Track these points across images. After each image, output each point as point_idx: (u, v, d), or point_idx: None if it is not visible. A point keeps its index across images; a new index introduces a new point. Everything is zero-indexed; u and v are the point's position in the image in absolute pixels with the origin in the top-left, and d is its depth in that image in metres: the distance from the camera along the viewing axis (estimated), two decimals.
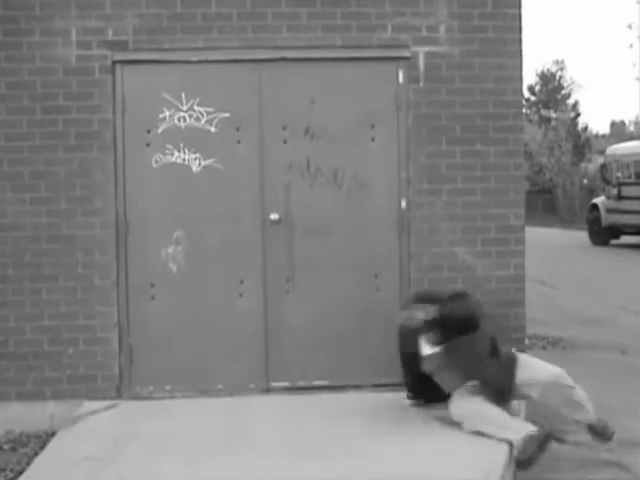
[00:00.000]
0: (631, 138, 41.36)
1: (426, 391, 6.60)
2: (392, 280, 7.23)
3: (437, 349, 6.31)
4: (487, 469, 5.48)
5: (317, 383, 7.21)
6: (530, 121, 51.43)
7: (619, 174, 25.84)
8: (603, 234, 26.08)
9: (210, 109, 7.14)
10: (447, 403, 6.30)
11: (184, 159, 7.15)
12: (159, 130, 7.14)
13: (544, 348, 10.43)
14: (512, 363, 6.38)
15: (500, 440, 5.92)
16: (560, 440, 6.39)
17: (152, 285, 7.17)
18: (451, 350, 6.29)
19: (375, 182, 7.18)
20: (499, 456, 5.71)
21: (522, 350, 7.23)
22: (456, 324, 6.27)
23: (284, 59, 7.14)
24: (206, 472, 5.58)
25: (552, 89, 57.27)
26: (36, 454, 6.28)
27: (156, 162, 7.15)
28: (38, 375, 7.07)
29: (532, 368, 6.41)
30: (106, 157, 7.07)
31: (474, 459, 5.65)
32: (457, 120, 7.19)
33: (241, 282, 7.16)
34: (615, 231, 25.91)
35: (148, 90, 7.13)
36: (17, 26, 7.01)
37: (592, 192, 37.01)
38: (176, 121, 7.14)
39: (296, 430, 6.31)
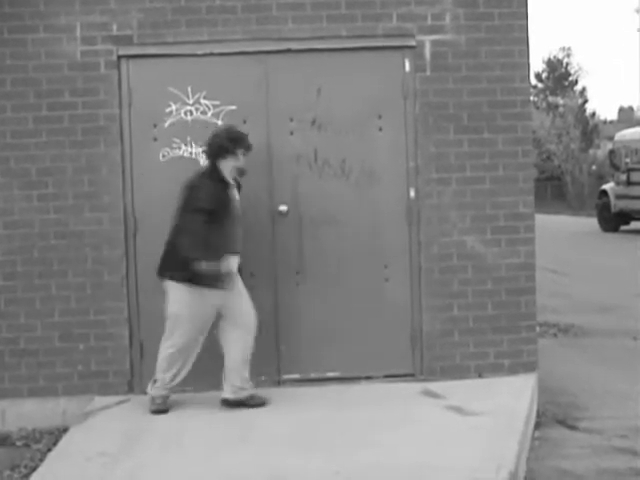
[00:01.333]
0: (639, 124, 41.25)
1: None
2: (402, 270, 7.21)
3: None
4: (499, 458, 5.47)
5: (328, 375, 7.20)
6: (538, 108, 51.23)
7: (628, 160, 25.75)
8: (612, 220, 25.99)
9: (216, 102, 7.13)
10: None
11: (191, 153, 7.14)
12: (166, 124, 7.13)
13: (555, 335, 10.42)
14: None
15: None
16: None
17: None
18: None
19: (383, 172, 7.16)
20: (511, 444, 5.70)
21: (534, 338, 7.24)
22: None
23: (289, 50, 7.12)
24: (217, 466, 5.58)
25: (559, 76, 57.08)
26: (49, 450, 6.31)
27: (163, 156, 7.14)
28: (49, 371, 7.08)
29: None
30: (113, 152, 7.07)
31: (486, 449, 5.64)
32: (464, 108, 7.16)
33: (251, 275, 7.15)
34: (625, 217, 25.81)
35: (154, 84, 7.12)
36: (22, 23, 7.00)
37: (601, 178, 36.93)
38: (183, 115, 7.13)
39: (307, 422, 6.31)
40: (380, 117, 7.18)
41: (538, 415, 6.95)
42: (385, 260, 7.21)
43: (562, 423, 6.93)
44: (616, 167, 26.45)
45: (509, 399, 6.62)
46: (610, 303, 12.68)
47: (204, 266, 6.32)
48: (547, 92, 56.21)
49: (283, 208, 7.13)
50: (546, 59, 58.03)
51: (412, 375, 7.20)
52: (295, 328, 7.23)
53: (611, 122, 55.82)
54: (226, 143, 6.53)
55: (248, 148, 6.63)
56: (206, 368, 7.14)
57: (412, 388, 6.96)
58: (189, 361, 6.65)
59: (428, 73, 7.14)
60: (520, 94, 7.23)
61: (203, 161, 7.08)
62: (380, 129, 7.19)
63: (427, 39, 7.12)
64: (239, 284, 6.68)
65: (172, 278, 6.51)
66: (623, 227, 25.96)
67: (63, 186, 7.05)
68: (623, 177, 25.63)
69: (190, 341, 6.59)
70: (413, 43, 7.12)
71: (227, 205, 6.51)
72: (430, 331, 7.17)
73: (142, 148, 7.12)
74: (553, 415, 7.08)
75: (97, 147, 7.06)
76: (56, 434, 6.72)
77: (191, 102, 7.13)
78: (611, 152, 27.78)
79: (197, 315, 6.53)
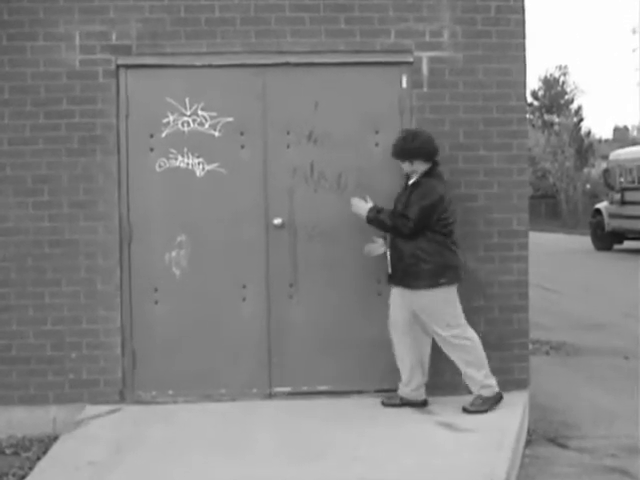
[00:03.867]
0: (634, 143, 41.37)
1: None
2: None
3: None
4: (489, 475, 5.48)
5: (320, 388, 7.20)
6: (533, 126, 51.31)
7: (622, 179, 25.80)
8: (606, 239, 26.03)
9: (214, 114, 7.15)
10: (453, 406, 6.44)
11: (188, 164, 7.15)
12: (163, 134, 7.14)
13: (547, 353, 10.42)
14: None
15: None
16: None
17: (155, 289, 7.17)
18: None
19: (379, 187, 7.17)
20: (501, 461, 5.70)
21: (525, 355, 7.25)
22: None
23: (287, 64, 7.14)
24: (207, 476, 5.58)
25: (555, 94, 57.15)
26: (39, 458, 6.28)
27: (160, 166, 7.15)
28: (41, 379, 7.07)
29: None
30: (109, 161, 7.08)
31: (476, 466, 5.64)
32: (460, 125, 7.19)
33: (244, 286, 7.16)
34: (618, 236, 25.85)
35: (152, 94, 7.13)
36: (21, 30, 7.02)
37: (595, 197, 36.96)
38: (180, 126, 7.14)
39: (297, 435, 6.31)
40: (377, 132, 7.21)
41: (529, 433, 6.95)
42: (378, 275, 7.20)
43: (553, 441, 6.93)
44: (610, 186, 26.50)
45: (500, 416, 6.62)
46: (603, 321, 12.70)
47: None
48: (543, 110, 56.30)
49: (278, 221, 7.14)
50: (542, 77, 58.15)
51: None
52: (287, 341, 7.23)
53: (606, 141, 55.93)
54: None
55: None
56: (197, 377, 7.17)
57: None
58: None
59: (425, 89, 7.17)
60: (516, 112, 7.25)
61: (199, 172, 7.11)
62: (377, 144, 7.21)
63: (425, 55, 7.15)
64: None
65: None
66: (617, 246, 25.99)
67: (58, 194, 7.05)
68: (617, 196, 25.68)
69: None
70: (411, 59, 7.15)
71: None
72: None
73: (138, 158, 7.13)
74: (544, 433, 7.08)
75: (93, 156, 7.07)
76: (46, 442, 6.69)
77: (188, 113, 7.14)
78: (605, 171, 27.85)
79: None
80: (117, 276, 7.10)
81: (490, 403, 6.69)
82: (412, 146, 6.71)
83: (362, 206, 6.80)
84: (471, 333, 6.71)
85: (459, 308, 6.72)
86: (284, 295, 7.23)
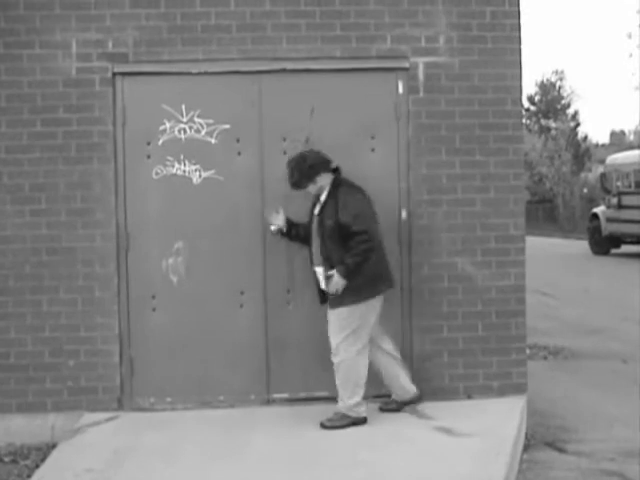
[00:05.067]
0: (631, 147, 41.43)
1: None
2: (392, 291, 7.21)
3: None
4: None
5: (318, 394, 7.19)
6: (530, 131, 51.43)
7: (619, 183, 25.84)
8: (603, 243, 26.06)
9: (210, 121, 7.16)
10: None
11: (184, 171, 7.16)
12: (159, 142, 7.15)
13: (545, 358, 10.43)
14: None
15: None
16: None
17: (153, 296, 7.17)
18: None
19: (375, 193, 7.15)
20: (499, 466, 5.71)
21: (523, 360, 7.25)
22: None
23: (284, 70, 7.15)
24: None
25: (552, 99, 57.23)
26: (37, 466, 6.28)
27: (156, 174, 7.16)
28: (39, 387, 7.07)
29: None
30: (106, 169, 7.08)
31: (474, 470, 5.65)
32: (457, 130, 7.20)
33: (242, 293, 7.16)
34: (615, 240, 25.89)
35: (148, 102, 7.14)
36: (17, 39, 7.02)
37: (592, 201, 37.02)
38: (176, 133, 7.15)
39: (295, 440, 6.31)
40: (373, 138, 7.22)
41: (527, 437, 6.96)
42: None
43: (551, 445, 6.93)
44: (607, 190, 26.54)
45: (498, 421, 6.63)
46: (600, 326, 12.71)
47: None
48: (539, 115, 56.39)
49: (275, 227, 7.14)
50: (539, 82, 58.24)
51: None
52: (285, 347, 7.23)
53: (603, 145, 56.07)
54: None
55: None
56: (195, 384, 7.17)
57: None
58: None
59: (421, 95, 7.18)
60: (512, 117, 7.27)
61: (196, 179, 7.12)
62: (373, 150, 7.22)
63: (421, 61, 7.17)
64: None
65: None
66: (614, 250, 26.03)
67: (56, 202, 7.06)
68: (614, 200, 25.72)
69: None
70: (407, 65, 7.17)
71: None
72: (420, 352, 7.19)
73: (135, 165, 7.14)
74: (542, 437, 7.08)
75: (90, 164, 7.07)
76: (44, 450, 6.69)
77: (185, 120, 7.15)
78: (602, 175, 27.88)
79: None
80: (115, 283, 7.10)
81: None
82: (306, 167, 6.61)
83: (337, 280, 6.51)
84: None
85: None
86: (281, 301, 7.23)
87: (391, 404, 6.92)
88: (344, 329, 6.53)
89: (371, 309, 6.58)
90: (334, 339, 6.58)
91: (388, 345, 6.80)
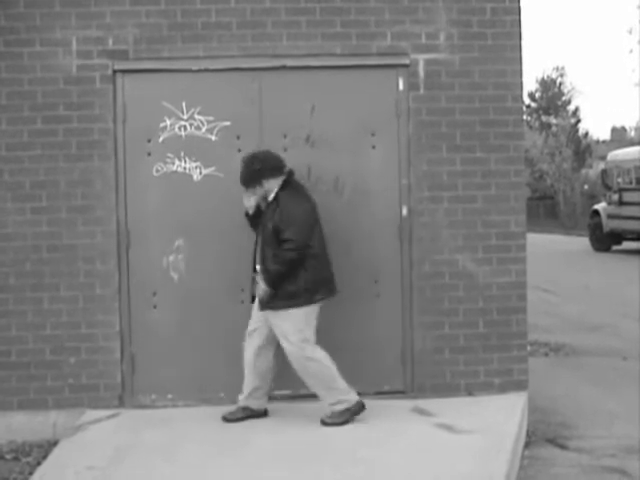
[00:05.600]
0: (632, 144, 41.37)
1: None
2: (393, 287, 7.23)
3: None
4: (489, 476, 5.49)
5: None
6: (531, 127, 51.40)
7: (620, 180, 25.83)
8: (604, 240, 26.05)
9: (210, 118, 7.16)
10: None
11: (185, 168, 7.16)
12: (160, 139, 7.15)
13: (546, 354, 10.44)
14: None
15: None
16: None
17: (154, 293, 7.18)
18: None
19: (376, 190, 7.18)
20: (500, 462, 5.71)
21: (524, 357, 7.26)
22: None
23: (284, 67, 7.15)
24: (206, 479, 5.59)
25: (552, 95, 57.19)
26: (38, 463, 6.29)
27: (157, 171, 7.16)
28: (40, 384, 7.07)
29: None
30: (107, 166, 7.08)
31: (475, 467, 5.65)
32: (457, 127, 7.20)
33: (242, 290, 7.16)
34: (616, 237, 25.88)
35: (149, 99, 7.14)
36: (17, 36, 7.02)
37: (593, 198, 36.99)
38: (177, 130, 7.15)
39: (296, 437, 6.31)
40: (373, 135, 7.22)
41: (528, 434, 6.96)
42: (376, 276, 7.23)
43: (552, 442, 6.94)
44: (608, 187, 26.53)
45: (499, 418, 6.63)
46: (601, 322, 12.71)
47: None
48: (540, 112, 56.36)
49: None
50: (540, 79, 58.21)
51: (402, 392, 7.21)
52: None
53: (604, 142, 55.95)
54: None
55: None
56: (196, 381, 7.17)
57: (402, 405, 6.96)
58: None
59: (421, 91, 7.18)
60: (513, 113, 7.26)
61: (196, 176, 7.12)
62: (373, 147, 7.22)
63: (421, 58, 7.16)
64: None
65: None
66: (615, 247, 26.02)
67: (56, 199, 7.06)
68: (615, 197, 25.71)
69: None
70: (407, 62, 7.16)
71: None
72: (421, 348, 7.19)
73: (136, 163, 7.14)
74: (543, 434, 7.09)
75: (91, 161, 7.07)
76: (46, 447, 6.70)
77: (185, 117, 7.15)
78: (603, 172, 27.87)
79: None
80: (115, 280, 7.11)
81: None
82: (254, 169, 6.57)
83: (260, 286, 6.51)
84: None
85: None
86: None
87: (238, 413, 6.80)
88: (300, 330, 6.58)
89: (310, 314, 6.58)
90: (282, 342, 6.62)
91: (277, 358, 6.78)
